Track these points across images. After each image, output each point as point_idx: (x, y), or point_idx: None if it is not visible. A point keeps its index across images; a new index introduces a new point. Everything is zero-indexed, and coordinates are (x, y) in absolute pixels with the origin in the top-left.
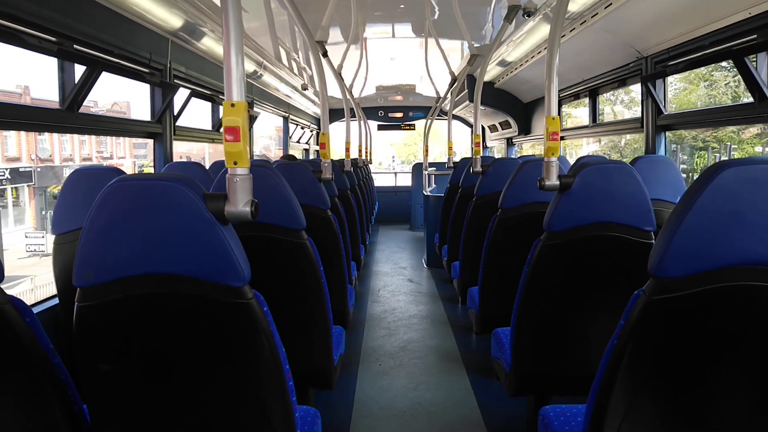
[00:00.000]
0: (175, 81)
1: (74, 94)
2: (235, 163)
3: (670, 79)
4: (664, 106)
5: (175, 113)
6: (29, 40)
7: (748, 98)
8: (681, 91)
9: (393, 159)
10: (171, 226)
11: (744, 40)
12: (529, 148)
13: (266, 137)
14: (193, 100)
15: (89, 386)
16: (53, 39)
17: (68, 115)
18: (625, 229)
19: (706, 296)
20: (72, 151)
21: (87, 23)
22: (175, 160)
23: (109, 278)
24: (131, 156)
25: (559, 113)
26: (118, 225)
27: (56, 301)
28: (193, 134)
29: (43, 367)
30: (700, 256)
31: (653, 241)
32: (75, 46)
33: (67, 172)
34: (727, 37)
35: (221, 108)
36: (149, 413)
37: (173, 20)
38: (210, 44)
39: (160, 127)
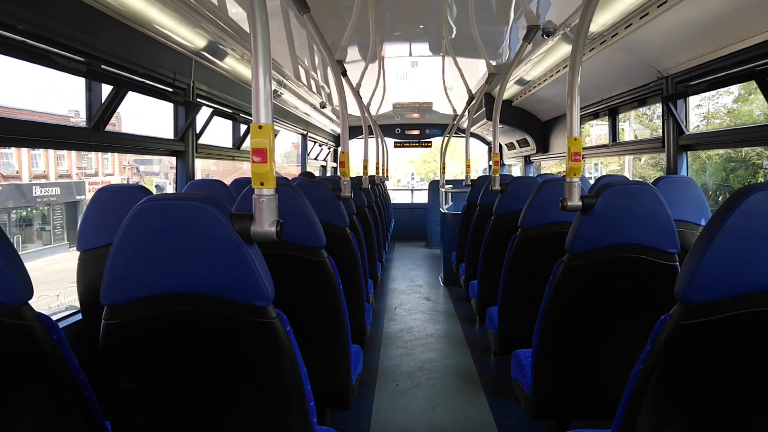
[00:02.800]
0: (198, 100)
1: (100, 113)
2: (262, 184)
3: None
4: (686, 126)
5: (198, 131)
6: (59, 61)
7: None
8: (735, 101)
9: (412, 176)
10: (198, 246)
11: (767, 60)
12: (554, 166)
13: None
14: (215, 117)
15: (113, 403)
16: (82, 60)
17: (94, 134)
18: (649, 251)
19: (735, 322)
20: (46, 166)
21: (114, 44)
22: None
23: (136, 297)
24: (121, 173)
25: (580, 133)
26: (146, 244)
27: (79, 316)
28: (215, 152)
29: (67, 383)
30: (728, 280)
31: (677, 263)
32: (102, 66)
33: (37, 191)
34: (749, 58)
35: (242, 126)
36: (171, 431)
37: (197, 40)
38: (233, 64)
39: (183, 145)
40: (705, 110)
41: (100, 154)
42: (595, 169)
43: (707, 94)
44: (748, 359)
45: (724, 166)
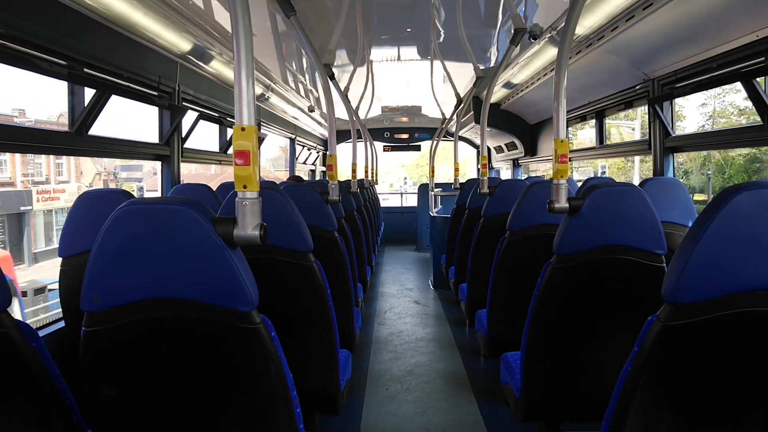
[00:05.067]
0: (184, 104)
1: (83, 117)
2: (245, 187)
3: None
4: (672, 128)
5: (183, 135)
6: (40, 64)
7: None
8: (747, 98)
9: (405, 181)
10: (180, 251)
11: (752, 62)
12: (550, 170)
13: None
14: (201, 121)
15: (95, 411)
16: (64, 63)
17: (77, 138)
18: (636, 252)
19: (722, 322)
20: None
21: (97, 47)
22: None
23: (116, 303)
24: (78, 180)
25: (566, 135)
26: (127, 249)
27: (62, 324)
28: (200, 156)
29: (48, 392)
30: (715, 281)
31: (664, 264)
32: (85, 69)
33: None
34: (734, 60)
35: (229, 130)
36: None
37: (182, 44)
38: (218, 67)
39: (168, 149)
40: (710, 109)
41: (52, 158)
42: (602, 171)
43: (713, 91)
44: (736, 359)
45: (747, 167)
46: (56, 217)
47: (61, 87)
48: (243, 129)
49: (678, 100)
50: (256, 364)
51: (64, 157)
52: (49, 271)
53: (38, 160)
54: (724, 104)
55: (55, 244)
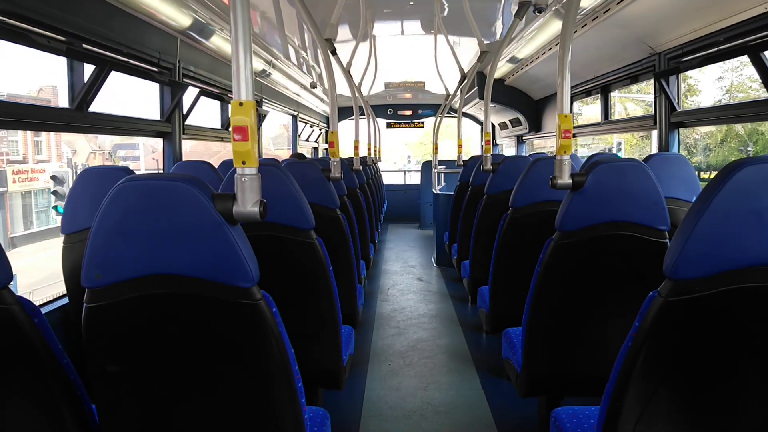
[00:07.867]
0: (184, 80)
1: (83, 93)
2: (244, 163)
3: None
4: (678, 103)
5: (185, 112)
6: (38, 39)
7: None
8: None
9: (408, 159)
10: (179, 227)
11: (760, 35)
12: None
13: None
14: (203, 98)
15: (98, 387)
16: (62, 38)
17: (78, 115)
18: (639, 228)
19: (723, 298)
20: None
21: (96, 22)
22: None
23: (117, 279)
24: (60, 159)
25: (571, 110)
26: (127, 225)
27: (66, 300)
28: (202, 133)
29: (51, 367)
30: (716, 256)
31: (668, 240)
32: (84, 45)
33: None
34: (742, 33)
35: (230, 107)
36: (157, 414)
37: (182, 19)
38: (219, 43)
39: (169, 126)
40: (728, 83)
41: (30, 135)
42: (618, 148)
43: (731, 64)
44: (736, 335)
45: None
46: (36, 198)
47: (40, 60)
48: (241, 104)
49: (692, 74)
50: (257, 339)
51: (43, 134)
52: (29, 257)
53: (13, 137)
54: (742, 78)
55: (36, 228)
